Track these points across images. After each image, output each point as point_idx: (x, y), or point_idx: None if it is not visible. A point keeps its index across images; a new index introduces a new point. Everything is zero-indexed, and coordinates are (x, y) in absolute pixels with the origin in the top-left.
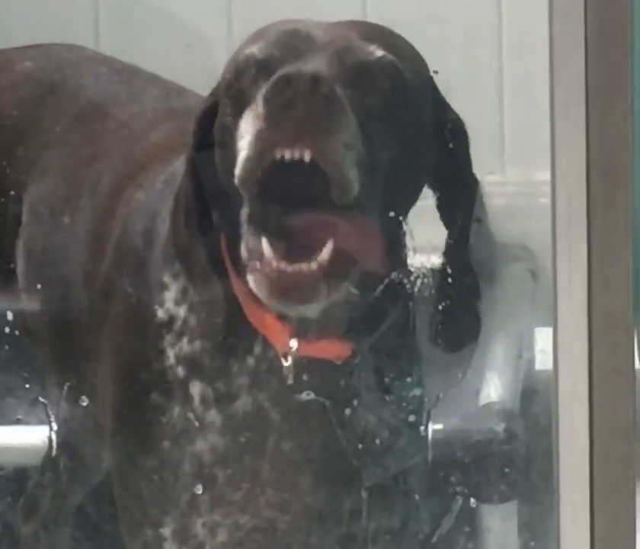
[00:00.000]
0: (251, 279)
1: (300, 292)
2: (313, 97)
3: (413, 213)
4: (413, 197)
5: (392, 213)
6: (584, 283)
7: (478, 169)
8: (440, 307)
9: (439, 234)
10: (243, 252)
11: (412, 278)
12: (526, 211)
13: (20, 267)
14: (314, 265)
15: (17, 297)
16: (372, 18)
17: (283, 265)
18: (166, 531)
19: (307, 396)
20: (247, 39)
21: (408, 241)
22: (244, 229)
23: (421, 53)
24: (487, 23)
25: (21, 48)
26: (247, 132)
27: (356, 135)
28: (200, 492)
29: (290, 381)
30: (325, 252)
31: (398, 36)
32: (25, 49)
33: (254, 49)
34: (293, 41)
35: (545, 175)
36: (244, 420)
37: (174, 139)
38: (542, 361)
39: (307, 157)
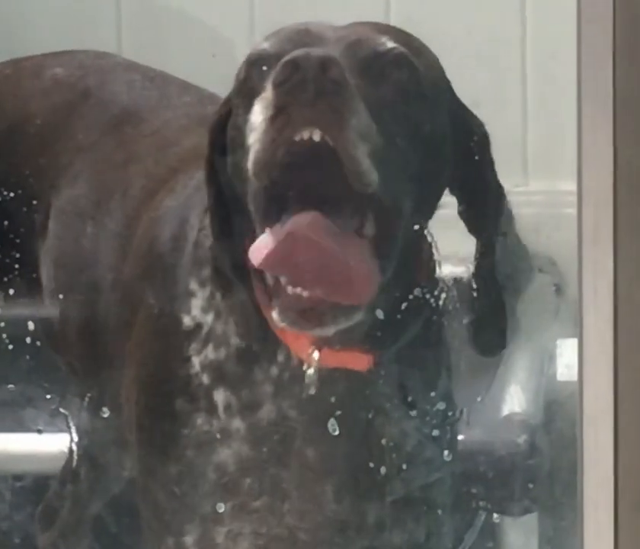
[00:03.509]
0: (272, 311)
1: (317, 318)
2: (323, 80)
3: (438, 224)
4: (433, 201)
5: (414, 220)
6: (610, 297)
7: (503, 180)
8: (465, 321)
9: (465, 245)
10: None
11: (437, 291)
12: (551, 222)
13: (45, 273)
14: None
15: (38, 307)
16: (396, 25)
17: (299, 290)
18: (188, 540)
19: (330, 406)
20: (259, 41)
21: (435, 253)
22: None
23: (447, 65)
24: (512, 34)
25: (51, 54)
26: (257, 122)
27: (369, 125)
28: (223, 503)
29: (312, 391)
30: None
31: (412, 36)
32: (55, 56)
33: (266, 46)
34: (305, 37)
35: (571, 186)
36: (268, 429)
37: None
38: (567, 372)
39: (316, 137)
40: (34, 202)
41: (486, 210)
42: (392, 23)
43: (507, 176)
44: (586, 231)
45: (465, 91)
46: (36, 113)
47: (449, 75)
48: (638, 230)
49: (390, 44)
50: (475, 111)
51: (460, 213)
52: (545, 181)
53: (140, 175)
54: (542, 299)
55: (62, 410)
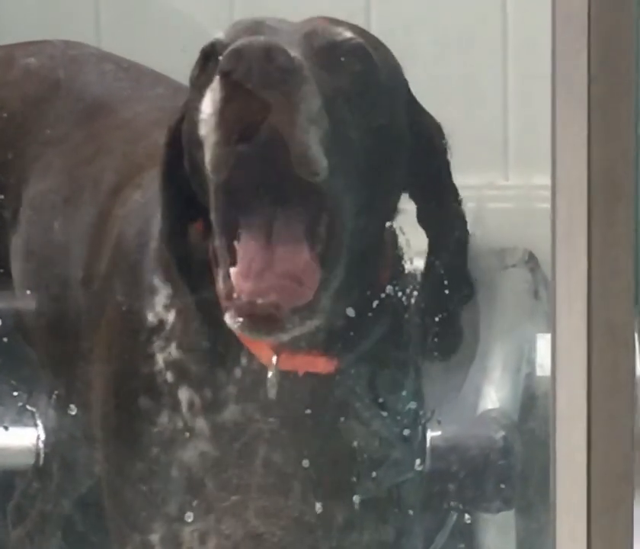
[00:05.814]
0: (226, 315)
1: (271, 324)
2: (268, 68)
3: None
4: (390, 201)
5: (370, 221)
6: (584, 295)
7: (481, 173)
8: (437, 319)
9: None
10: (219, 283)
11: (406, 290)
12: (529, 215)
13: (16, 267)
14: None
15: (7, 303)
16: (377, 17)
17: (254, 297)
18: (154, 538)
19: (295, 407)
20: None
21: (401, 251)
22: (214, 249)
23: (425, 55)
24: (490, 26)
25: (23, 44)
26: (208, 113)
27: (320, 111)
28: (188, 503)
29: (272, 396)
30: None
31: (369, 32)
32: (27, 45)
33: (220, 36)
34: (260, 28)
35: (549, 180)
36: (233, 429)
37: None
38: (542, 368)
39: (267, 124)
40: (3, 196)
41: (442, 214)
42: (370, 11)
43: (485, 169)
44: (559, 226)
45: (443, 86)
46: (7, 104)
47: (428, 69)
48: (612, 226)
49: (347, 34)
50: (454, 106)
51: (418, 218)
52: (523, 174)
53: (109, 170)
54: (518, 293)
55: (29, 407)
